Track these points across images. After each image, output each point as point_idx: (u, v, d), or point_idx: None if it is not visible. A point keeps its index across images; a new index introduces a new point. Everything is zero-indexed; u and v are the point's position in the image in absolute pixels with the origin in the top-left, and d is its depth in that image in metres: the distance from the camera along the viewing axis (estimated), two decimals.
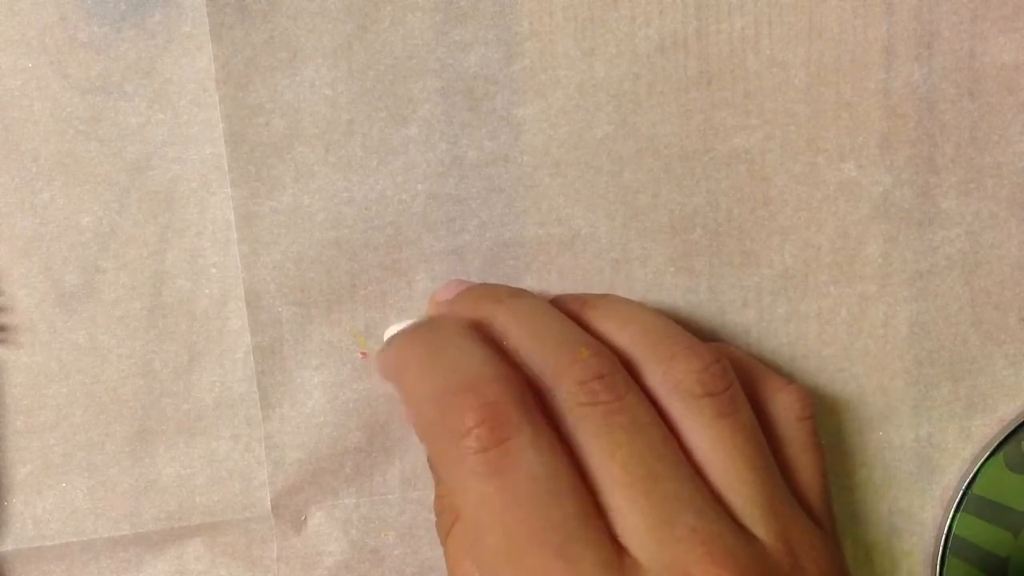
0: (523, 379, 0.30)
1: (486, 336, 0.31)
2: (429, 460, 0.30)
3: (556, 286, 0.35)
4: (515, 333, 0.31)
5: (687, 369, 0.30)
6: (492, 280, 0.35)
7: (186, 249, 0.35)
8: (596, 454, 0.28)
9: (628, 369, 0.31)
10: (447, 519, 0.31)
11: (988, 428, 0.37)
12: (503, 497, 0.27)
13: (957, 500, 0.36)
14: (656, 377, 0.30)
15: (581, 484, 0.28)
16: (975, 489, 0.36)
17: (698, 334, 0.36)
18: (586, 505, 0.28)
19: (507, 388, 0.29)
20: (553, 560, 0.27)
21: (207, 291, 0.35)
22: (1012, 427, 0.36)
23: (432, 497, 0.35)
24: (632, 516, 0.27)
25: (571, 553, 0.27)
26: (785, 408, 0.32)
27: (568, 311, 0.33)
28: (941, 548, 0.36)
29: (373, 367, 0.35)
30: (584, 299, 0.34)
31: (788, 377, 0.34)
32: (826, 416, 0.37)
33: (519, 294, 0.33)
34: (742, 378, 0.32)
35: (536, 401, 0.29)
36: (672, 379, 0.30)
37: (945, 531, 0.36)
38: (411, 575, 0.36)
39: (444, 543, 0.31)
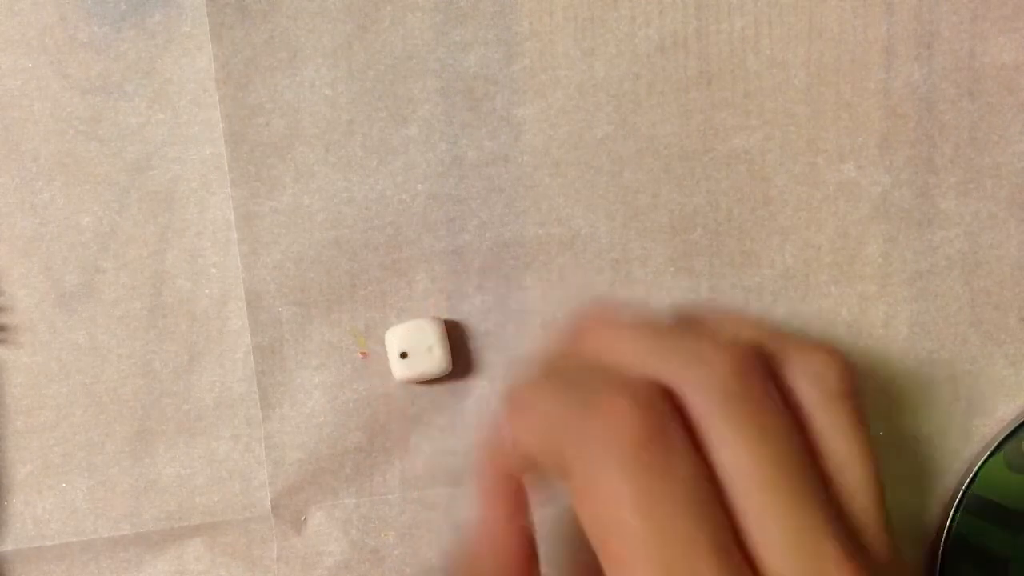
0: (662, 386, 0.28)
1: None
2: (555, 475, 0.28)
3: (556, 286, 0.35)
4: (645, 341, 0.29)
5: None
6: (492, 279, 0.35)
7: (186, 249, 0.35)
8: (742, 451, 0.26)
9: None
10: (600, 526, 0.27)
11: (988, 428, 0.37)
12: (659, 492, 0.25)
13: (957, 500, 0.36)
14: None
15: (720, 501, 0.26)
16: (975, 489, 0.36)
17: None
18: (724, 523, 0.26)
19: (656, 390, 0.27)
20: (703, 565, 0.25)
21: (207, 291, 0.35)
22: (1012, 427, 0.36)
23: (432, 497, 0.36)
24: (775, 524, 0.26)
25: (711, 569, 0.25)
26: (812, 379, 0.28)
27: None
28: (941, 548, 0.36)
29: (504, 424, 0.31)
30: (682, 318, 0.31)
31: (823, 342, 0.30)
32: None
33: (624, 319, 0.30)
34: (762, 341, 0.29)
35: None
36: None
37: (945, 531, 0.36)
38: (411, 575, 0.36)
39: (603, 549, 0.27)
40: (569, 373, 0.28)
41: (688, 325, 0.30)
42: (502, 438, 0.29)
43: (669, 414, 0.26)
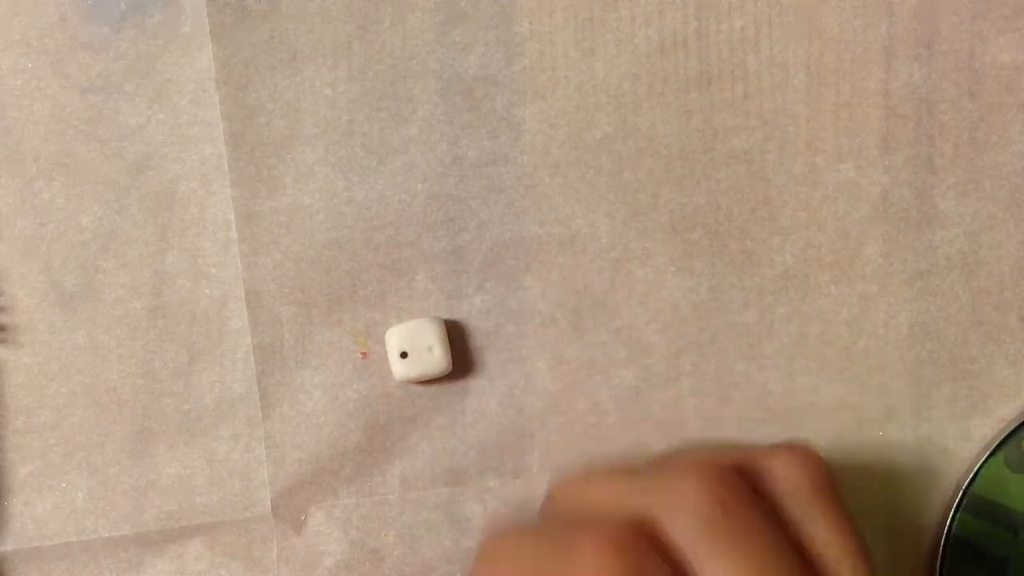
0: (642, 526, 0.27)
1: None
2: None
3: (556, 286, 0.35)
4: (619, 483, 0.29)
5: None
6: (492, 279, 0.35)
7: (186, 249, 0.35)
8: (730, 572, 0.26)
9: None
10: None
11: (988, 428, 0.37)
12: None
13: (957, 500, 0.36)
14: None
15: None
16: (975, 489, 0.36)
17: (700, 335, 0.36)
18: None
19: (633, 529, 0.27)
20: None
21: (207, 291, 0.35)
22: (1012, 427, 0.36)
23: (432, 497, 0.36)
24: None
25: None
26: (788, 484, 0.29)
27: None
28: (941, 548, 0.36)
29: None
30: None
31: (788, 443, 0.31)
32: (826, 416, 0.37)
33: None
34: (736, 461, 0.29)
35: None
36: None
37: (945, 531, 0.36)
38: (411, 575, 0.36)
39: None
40: (543, 524, 0.28)
41: (662, 462, 0.30)
42: None
43: (648, 552, 0.26)
